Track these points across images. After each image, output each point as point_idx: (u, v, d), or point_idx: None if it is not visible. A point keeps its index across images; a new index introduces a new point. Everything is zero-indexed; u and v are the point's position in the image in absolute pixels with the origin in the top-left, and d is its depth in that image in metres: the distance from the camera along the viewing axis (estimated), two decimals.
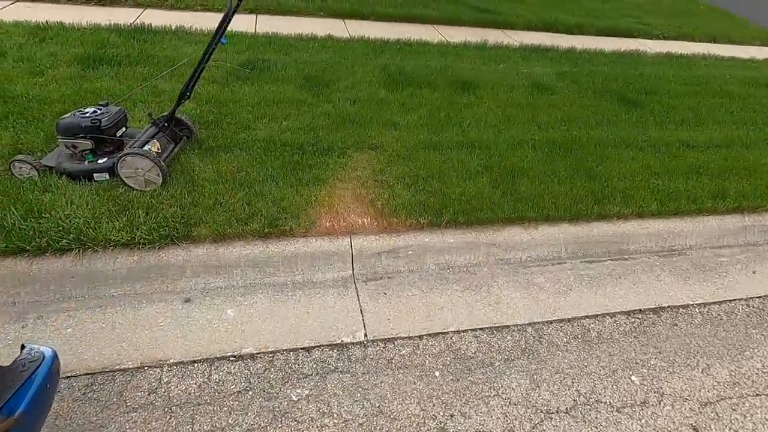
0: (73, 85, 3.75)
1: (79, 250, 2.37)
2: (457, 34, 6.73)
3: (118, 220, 2.51)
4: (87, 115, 2.72)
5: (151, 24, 5.17)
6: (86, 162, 2.73)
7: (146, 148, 2.85)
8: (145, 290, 2.39)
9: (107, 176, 2.77)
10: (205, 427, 1.85)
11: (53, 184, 2.68)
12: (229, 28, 5.14)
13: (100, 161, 2.75)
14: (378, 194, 3.04)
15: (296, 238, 2.67)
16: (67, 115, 2.74)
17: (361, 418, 1.95)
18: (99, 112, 2.76)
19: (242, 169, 3.08)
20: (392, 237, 2.80)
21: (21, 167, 2.69)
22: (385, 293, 2.57)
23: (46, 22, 4.80)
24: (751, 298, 2.94)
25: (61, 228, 2.39)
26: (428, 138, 3.77)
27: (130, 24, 5.15)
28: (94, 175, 2.76)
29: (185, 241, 2.52)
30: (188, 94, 3.04)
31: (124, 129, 2.91)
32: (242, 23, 5.77)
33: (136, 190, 2.77)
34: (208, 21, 5.56)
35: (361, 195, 3.02)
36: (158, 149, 2.95)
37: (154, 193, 2.74)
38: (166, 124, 3.06)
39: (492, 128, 4.11)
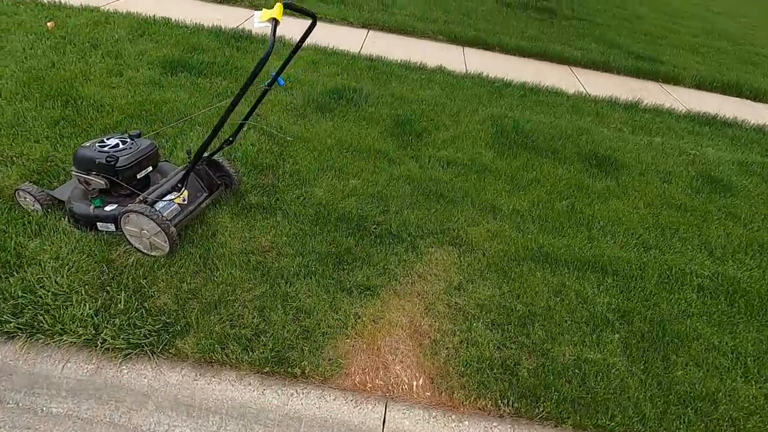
0: (143, 92, 3.37)
1: (28, 340, 1.79)
2: (601, 84, 5.40)
3: (90, 302, 1.89)
4: (106, 148, 2.17)
5: (251, 31, 4.77)
6: (92, 207, 2.18)
7: (167, 199, 2.24)
8: (91, 415, 1.71)
9: (113, 228, 2.20)
10: None
11: (49, 227, 2.18)
12: (332, 43, 4.44)
13: (107, 208, 2.19)
14: (445, 333, 2.05)
15: (308, 386, 1.81)
16: (87, 144, 2.22)
17: None
18: (121, 147, 2.20)
19: (276, 247, 2.32)
20: (450, 419, 1.80)
21: (25, 197, 2.24)
22: None
23: (153, 17, 4.63)
24: None
25: (19, 302, 1.83)
26: (539, 240, 2.67)
27: (233, 28, 4.81)
28: (98, 224, 2.20)
29: (161, 356, 1.81)
30: (231, 140, 2.36)
31: (149, 169, 2.32)
32: (348, 39, 5.16)
33: (140, 252, 2.17)
34: (317, 32, 5.03)
35: (419, 328, 2.06)
36: (184, 200, 2.32)
37: (154, 266, 2.09)
38: (201, 168, 2.44)
39: (636, 241, 2.86)
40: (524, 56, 5.88)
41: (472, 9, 7.12)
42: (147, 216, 2.05)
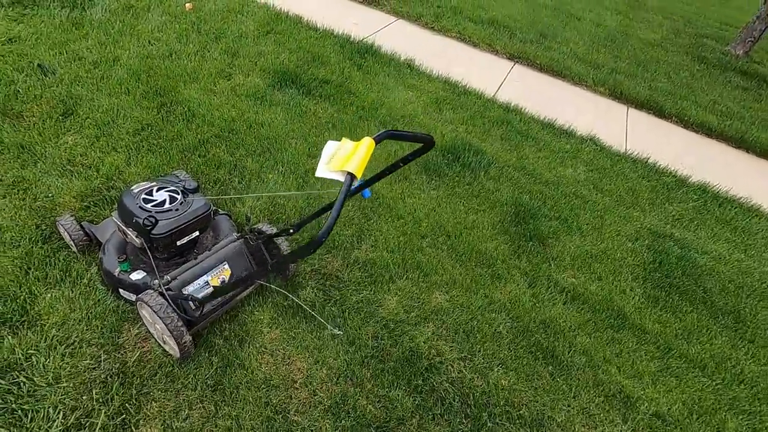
0: (240, 107, 3.01)
1: None
2: None
3: (65, 412, 1.49)
4: (149, 205, 1.76)
5: (381, 47, 4.21)
6: (117, 269, 1.81)
7: (202, 280, 1.78)
8: None
9: (134, 299, 1.81)
10: None
11: (74, 276, 1.86)
12: (467, 76, 3.75)
13: (133, 275, 1.79)
14: None
15: None
16: (134, 190, 1.83)
17: None
18: (167, 207, 1.77)
19: (309, 385, 1.74)
20: None
21: (62, 230, 1.95)
22: None
23: (286, 13, 4.32)
24: None
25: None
26: None
27: (363, 39, 4.30)
28: (120, 290, 1.83)
29: None
30: (292, 231, 1.81)
31: (194, 234, 1.88)
32: (488, 72, 4.34)
33: (155, 341, 1.75)
34: (455, 55, 4.33)
35: None
36: (223, 281, 1.85)
37: (158, 371, 1.65)
38: (255, 244, 1.94)
39: None
40: (710, 137, 4.48)
41: (652, 59, 5.73)
42: (158, 314, 1.60)
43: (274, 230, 1.97)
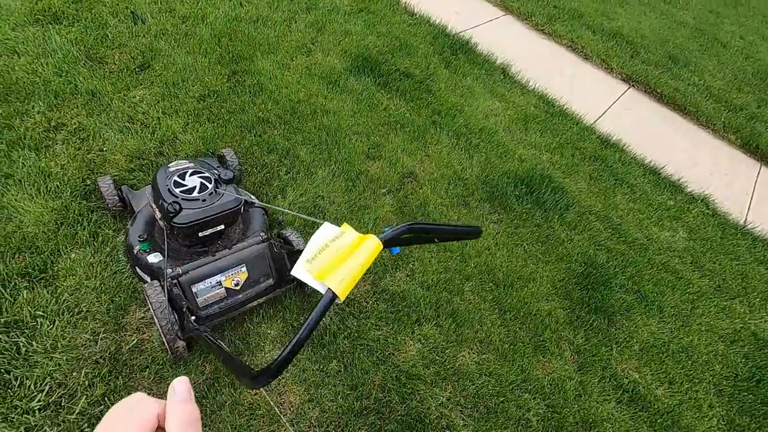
0: (309, 89, 2.83)
1: None
2: None
3: (49, 391, 1.46)
4: (179, 189, 1.65)
5: (477, 44, 3.79)
6: (137, 246, 1.74)
7: (214, 280, 1.66)
8: None
9: (148, 280, 1.74)
10: None
11: (101, 241, 1.83)
12: (567, 93, 3.32)
13: (150, 257, 1.71)
14: None
15: None
16: (170, 168, 1.73)
17: None
18: (194, 195, 1.64)
19: (303, 415, 1.56)
20: None
21: (102, 190, 1.91)
22: None
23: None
24: None
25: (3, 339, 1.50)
26: None
27: (460, 32, 3.91)
28: (137, 268, 1.76)
29: None
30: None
31: (220, 228, 1.75)
32: (594, 92, 3.75)
33: (156, 330, 1.67)
34: (560, 67, 3.79)
35: None
36: (236, 283, 1.71)
37: (148, 368, 1.56)
38: (279, 250, 1.78)
39: None
40: None
41: None
42: (155, 315, 1.49)
43: (301, 244, 1.79)
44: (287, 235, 1.84)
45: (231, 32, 3.03)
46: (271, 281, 1.80)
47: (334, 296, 0.72)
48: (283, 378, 1.66)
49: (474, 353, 1.91)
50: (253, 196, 2.07)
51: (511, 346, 1.96)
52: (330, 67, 3.06)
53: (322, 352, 1.74)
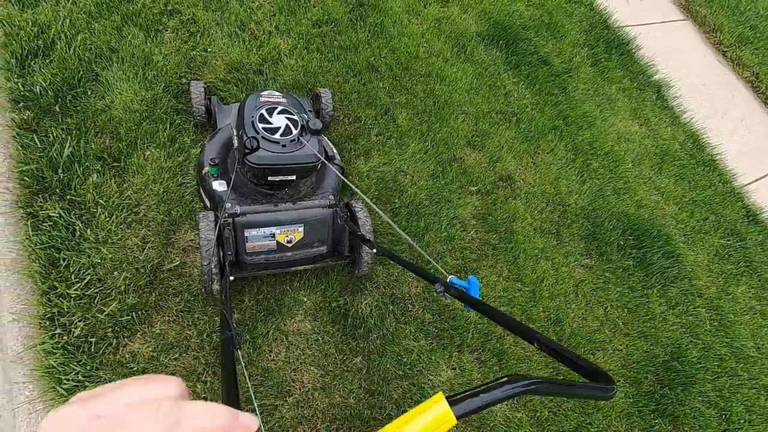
0: (435, 47, 2.49)
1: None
2: None
3: (85, 280, 1.46)
4: (262, 126, 1.49)
5: (640, 47, 3.14)
6: (206, 168, 1.63)
7: (268, 231, 1.54)
8: None
9: (207, 205, 1.66)
10: None
11: (178, 147, 1.76)
12: (713, 137, 2.77)
13: (215, 183, 1.61)
14: None
15: None
16: (262, 98, 1.55)
17: None
18: (276, 137, 1.48)
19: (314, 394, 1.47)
20: None
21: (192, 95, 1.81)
22: None
23: None
24: None
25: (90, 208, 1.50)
26: None
27: (629, 26, 3.26)
28: (202, 192, 1.67)
29: None
30: (375, 250, 1.37)
31: (291, 177, 1.59)
32: (756, 154, 3.02)
33: (198, 257, 1.61)
34: (728, 103, 3.07)
35: None
36: (289, 240, 1.59)
37: (181, 294, 1.52)
38: (343, 215, 1.62)
39: None
40: None
41: None
42: (201, 250, 1.41)
43: (367, 224, 1.60)
44: (356, 209, 1.66)
45: None
46: (324, 249, 1.65)
47: None
48: (305, 352, 1.56)
49: (508, 407, 1.69)
50: (335, 150, 1.89)
51: (552, 415, 1.71)
52: (463, 27, 2.67)
53: (352, 344, 1.61)
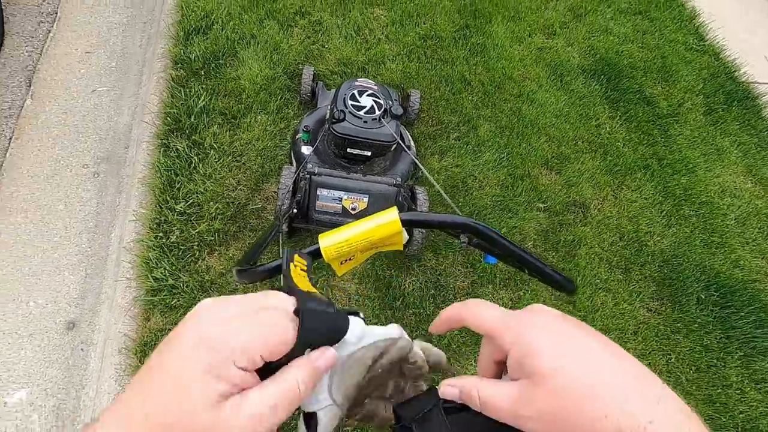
0: (532, 72, 2.58)
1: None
2: None
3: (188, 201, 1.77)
4: (349, 103, 1.71)
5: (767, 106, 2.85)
6: (299, 134, 1.90)
7: (337, 194, 1.73)
8: None
9: (292, 168, 1.92)
10: None
11: (283, 116, 2.07)
12: None
13: (303, 147, 1.87)
14: None
15: None
16: (356, 81, 1.79)
17: None
18: (360, 114, 1.69)
19: None
20: None
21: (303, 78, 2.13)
22: None
23: None
24: None
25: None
26: None
27: (760, 83, 2.99)
28: (292, 154, 1.94)
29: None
30: (465, 243, 1.47)
31: (366, 153, 1.78)
32: None
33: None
34: None
35: None
36: (353, 207, 1.77)
37: (248, 234, 1.77)
38: (405, 193, 1.75)
39: None
40: None
41: None
42: (279, 191, 1.64)
43: (425, 209, 1.72)
44: (417, 192, 1.79)
45: None
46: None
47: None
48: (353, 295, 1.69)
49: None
50: (412, 142, 2.05)
51: None
52: (565, 58, 2.72)
53: (388, 313, 1.71)
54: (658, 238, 2.16)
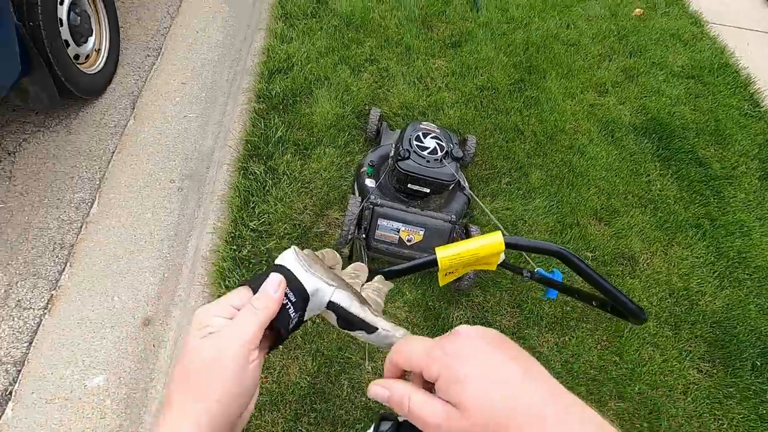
0: (584, 126, 2.69)
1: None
2: None
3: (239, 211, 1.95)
4: (414, 144, 1.87)
5: None
6: (364, 167, 2.07)
7: (395, 225, 1.86)
8: None
9: (357, 200, 2.07)
10: None
11: (348, 150, 2.26)
12: None
13: (367, 180, 2.03)
14: None
15: None
16: (420, 125, 1.96)
17: None
18: (423, 154, 1.84)
19: None
20: None
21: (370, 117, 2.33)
22: None
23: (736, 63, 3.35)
24: None
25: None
26: None
27: None
28: (356, 185, 2.11)
29: None
30: (528, 275, 1.55)
31: (426, 190, 1.92)
32: None
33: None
34: None
35: None
36: (409, 239, 1.89)
37: None
38: (460, 228, 1.85)
39: None
40: None
41: None
42: (345, 219, 1.78)
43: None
44: (472, 230, 1.89)
45: (542, 45, 3.11)
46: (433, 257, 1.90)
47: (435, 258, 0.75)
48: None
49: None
50: (466, 182, 2.18)
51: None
52: (616, 115, 2.82)
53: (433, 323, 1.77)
54: (710, 299, 2.13)
